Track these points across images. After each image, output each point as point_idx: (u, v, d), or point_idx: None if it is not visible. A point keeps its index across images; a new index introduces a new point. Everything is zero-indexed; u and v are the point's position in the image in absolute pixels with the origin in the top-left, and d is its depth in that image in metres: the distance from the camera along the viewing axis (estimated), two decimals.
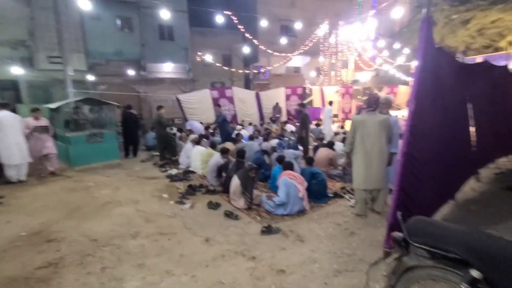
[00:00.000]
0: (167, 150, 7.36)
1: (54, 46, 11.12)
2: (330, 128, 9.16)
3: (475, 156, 4.43)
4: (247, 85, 19.22)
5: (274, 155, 5.45)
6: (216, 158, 5.30)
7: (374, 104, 3.50)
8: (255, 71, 18.93)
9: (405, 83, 15.96)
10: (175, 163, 7.07)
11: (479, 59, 12.39)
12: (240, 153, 4.88)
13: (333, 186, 4.99)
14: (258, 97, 12.48)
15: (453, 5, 12.98)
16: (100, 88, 14.44)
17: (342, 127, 10.23)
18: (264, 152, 5.61)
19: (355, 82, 18.53)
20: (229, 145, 6.93)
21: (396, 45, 13.91)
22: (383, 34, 12.57)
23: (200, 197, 4.65)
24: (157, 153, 8.51)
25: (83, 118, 7.39)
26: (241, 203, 4.11)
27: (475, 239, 1.39)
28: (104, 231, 3.42)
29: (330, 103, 10.61)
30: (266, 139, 7.19)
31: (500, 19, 11.63)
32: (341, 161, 6.19)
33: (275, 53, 14.92)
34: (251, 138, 6.81)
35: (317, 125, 10.48)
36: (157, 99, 16.16)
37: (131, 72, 14.87)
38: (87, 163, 6.60)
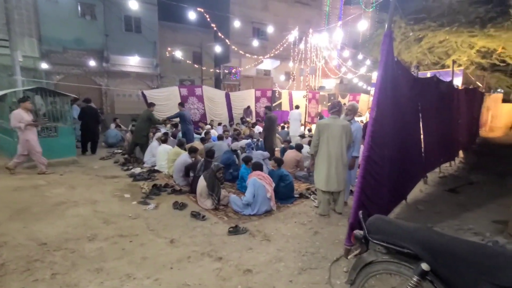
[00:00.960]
0: (142, 150, 6.88)
1: (0, 27, 9.92)
2: (297, 130, 9.43)
3: (424, 161, 4.89)
4: (217, 85, 19.02)
5: (243, 156, 5.47)
6: (184, 157, 5.15)
7: (337, 106, 3.68)
8: (226, 71, 18.81)
9: (366, 91, 17.09)
10: (139, 162, 6.73)
11: (428, 74, 13.78)
12: (209, 153, 4.80)
13: (299, 187, 5.15)
14: (228, 98, 12.40)
15: (409, 23, 14.19)
16: (55, 78, 13.20)
17: (310, 130, 10.60)
18: (234, 152, 5.59)
19: (321, 88, 19.35)
20: (197, 144, 6.80)
21: (359, 56, 14.82)
22: (348, 45, 13.32)
23: (166, 197, 4.48)
24: (120, 151, 8.04)
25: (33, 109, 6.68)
26: (208, 203, 4.04)
27: (425, 235, 1.53)
28: (55, 234, 3.13)
29: (297, 107, 10.94)
30: (235, 139, 7.18)
31: (446, 40, 13.00)
32: (307, 163, 6.42)
33: (247, 55, 14.97)
34: (220, 138, 6.74)
35: (283, 127, 10.76)
36: (120, 93, 15.29)
37: (92, 63, 13.82)
38: None
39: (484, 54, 12.95)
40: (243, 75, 19.53)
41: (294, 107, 11.21)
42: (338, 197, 3.77)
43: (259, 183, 3.79)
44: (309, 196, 4.56)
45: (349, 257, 2.37)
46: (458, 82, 12.89)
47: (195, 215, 3.70)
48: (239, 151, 5.92)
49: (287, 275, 2.50)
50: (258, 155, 5.39)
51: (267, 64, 19.80)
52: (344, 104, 16.21)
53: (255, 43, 15.60)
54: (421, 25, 14.05)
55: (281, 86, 17.88)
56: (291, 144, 6.99)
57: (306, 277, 2.49)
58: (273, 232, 3.31)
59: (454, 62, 10.36)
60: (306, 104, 11.31)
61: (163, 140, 6.20)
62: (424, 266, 1.38)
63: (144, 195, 4.50)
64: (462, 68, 13.14)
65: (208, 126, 9.43)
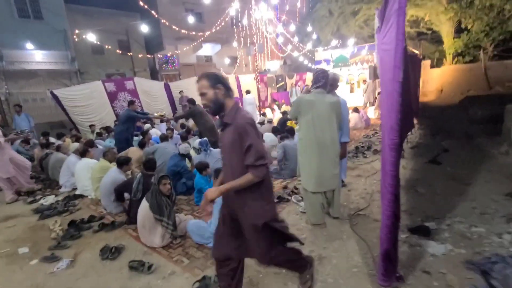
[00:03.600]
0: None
1: None
2: (254, 117, 8.32)
3: (403, 134, 4.31)
4: (154, 77, 16.62)
5: (197, 158, 4.15)
6: (112, 173, 3.62)
7: (323, 78, 2.64)
8: (162, 60, 16.48)
9: (310, 70, 16.77)
10: (54, 186, 4.87)
11: (366, 47, 13.90)
12: (148, 164, 3.37)
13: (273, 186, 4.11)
14: (167, 89, 10.58)
15: None
16: None
17: (264, 114, 9.61)
18: (184, 156, 4.22)
19: (266, 71, 18.50)
20: (133, 151, 5.19)
21: (308, 28, 14.14)
22: (290, 18, 12.47)
23: (90, 239, 2.98)
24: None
25: None
26: (156, 238, 2.71)
27: None
28: None
29: (248, 91, 9.84)
30: (184, 138, 5.74)
31: None
32: (274, 153, 5.41)
33: (182, 37, 13.07)
34: (163, 138, 5.24)
35: None
36: (28, 98, 11.98)
37: None
38: None
39: (412, 23, 13.47)
40: (182, 63, 17.44)
41: (245, 92, 10.04)
42: (333, 197, 2.81)
43: None
44: (289, 198, 3.55)
45: None
46: None
47: (136, 267, 2.36)
48: (189, 154, 4.58)
49: None
50: (216, 155, 4.14)
51: (208, 49, 18.03)
52: (292, 84, 15.74)
53: (190, 25, 13.71)
54: None
55: (226, 71, 16.42)
56: None
57: None
58: (261, 274, 2.19)
59: None
60: (257, 87, 10.23)
61: (82, 152, 4.45)
62: None
63: (55, 242, 2.92)
64: None
65: (147, 125, 7.68)
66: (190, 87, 11.46)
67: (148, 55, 15.52)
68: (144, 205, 2.74)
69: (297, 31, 13.79)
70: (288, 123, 7.86)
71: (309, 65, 16.08)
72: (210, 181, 3.54)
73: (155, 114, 8.77)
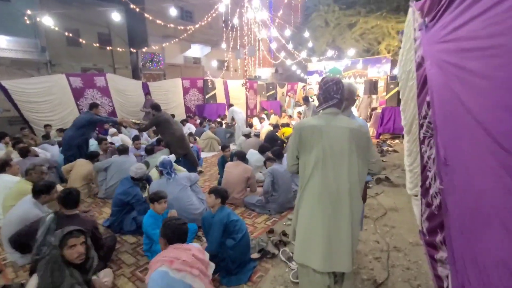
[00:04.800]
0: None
1: None
2: (242, 126, 7.31)
3: None
4: (136, 75, 15.33)
5: (156, 185, 3.07)
6: (25, 205, 2.47)
7: (337, 94, 1.67)
8: (146, 58, 15.25)
9: (302, 80, 16.04)
10: None
11: (361, 61, 13.34)
12: (67, 197, 2.22)
13: (254, 226, 3.09)
14: (146, 89, 9.41)
15: (342, 8, 13.45)
16: None
17: (251, 125, 8.63)
18: (138, 180, 3.12)
19: (256, 78, 17.63)
20: (80, 165, 4.04)
21: (298, 37, 13.41)
22: (287, 23, 11.67)
23: None
24: None
25: None
26: None
27: None
28: None
29: (231, 105, 8.67)
30: (150, 151, 4.63)
31: (377, 25, 12.63)
32: (259, 175, 4.41)
33: (169, 35, 11.98)
34: (122, 151, 4.12)
35: (220, 124, 8.54)
36: None
37: None
38: None
39: None
40: (168, 63, 16.28)
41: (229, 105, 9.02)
42: (344, 281, 1.80)
43: (173, 280, 1.53)
44: (276, 251, 2.53)
45: None
46: (386, 69, 12.78)
47: None
48: (151, 176, 3.50)
49: None
50: (181, 180, 3.07)
51: (196, 50, 16.98)
52: (283, 94, 14.89)
53: (179, 23, 12.67)
54: (352, 10, 13.44)
55: (214, 75, 15.40)
56: (231, 150, 4.85)
57: None
58: None
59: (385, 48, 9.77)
60: (246, 94, 9.26)
61: (1, 165, 3.26)
62: None
63: None
64: (389, 56, 12.93)
65: (113, 130, 6.48)
66: (172, 89, 10.37)
67: (131, 49, 14.16)
68: (31, 285, 1.59)
69: (291, 37, 13.03)
70: (280, 132, 6.90)
71: (301, 75, 15.36)
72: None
73: (132, 120, 7.46)
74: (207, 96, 11.14)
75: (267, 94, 13.78)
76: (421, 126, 2.36)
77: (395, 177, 4.63)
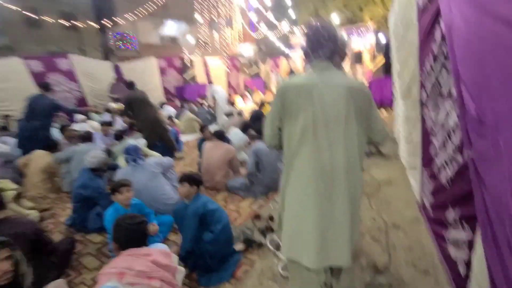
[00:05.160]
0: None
1: None
2: (224, 106, 6.80)
3: None
4: (109, 58, 14.17)
5: (122, 173, 2.64)
6: None
7: (329, 41, 1.24)
8: (115, 37, 14.04)
9: (285, 55, 15.33)
10: None
11: (344, 31, 12.80)
12: None
13: (238, 213, 2.76)
14: (118, 71, 8.62)
15: None
16: None
17: (233, 103, 8.13)
18: (99, 171, 2.67)
19: (239, 55, 16.77)
20: (38, 156, 3.53)
21: (279, 7, 12.57)
22: None
23: None
24: None
25: None
26: None
27: None
28: None
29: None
30: (120, 137, 4.12)
31: None
32: (244, 156, 4.04)
33: (141, 13, 10.93)
34: (85, 138, 3.60)
35: (201, 104, 8.00)
36: None
37: None
38: None
39: None
40: (143, 43, 15.14)
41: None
42: (342, 278, 1.48)
43: None
44: (263, 242, 2.22)
45: None
46: (370, 39, 12.29)
47: None
48: (119, 163, 3.06)
49: None
50: (150, 167, 2.64)
51: (172, 28, 15.84)
52: (268, 72, 14.24)
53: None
54: None
55: (193, 52, 14.45)
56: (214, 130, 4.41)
57: None
58: None
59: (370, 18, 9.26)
60: (227, 72, 8.65)
61: None
62: None
63: None
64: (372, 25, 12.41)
65: (82, 117, 5.84)
66: (147, 70, 9.57)
67: (97, 27, 12.80)
68: None
69: (272, 8, 12.18)
70: (265, 110, 6.46)
71: (286, 50, 14.67)
72: None
73: (113, 105, 6.76)
74: (186, 77, 10.42)
75: (250, 72, 13.15)
76: (422, 86, 2.01)
77: (386, 148, 4.39)
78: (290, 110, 1.24)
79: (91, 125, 5.53)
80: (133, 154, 2.63)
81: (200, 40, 10.97)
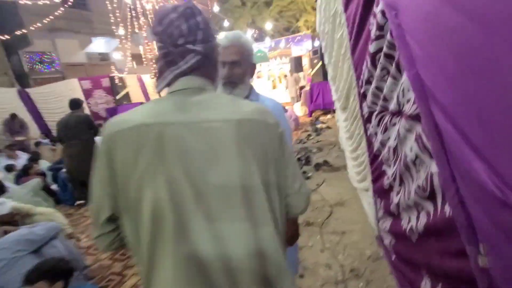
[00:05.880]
0: None
1: None
2: None
3: None
4: (25, 82, 11.93)
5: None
6: None
7: (193, 38, 0.61)
8: (32, 59, 11.95)
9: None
10: None
11: (283, 40, 12.96)
12: None
13: None
14: (26, 98, 7.07)
15: None
16: None
17: None
18: None
19: None
20: None
21: (215, 19, 12.11)
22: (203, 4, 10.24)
23: None
24: None
25: None
26: None
27: None
28: None
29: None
30: (24, 174, 2.99)
31: (293, 2, 12.21)
32: None
33: (59, 27, 9.35)
34: None
35: None
36: None
37: None
38: None
39: None
40: (66, 63, 13.15)
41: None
42: None
43: None
44: None
45: None
46: (308, 46, 12.60)
47: None
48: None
49: None
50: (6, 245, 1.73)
51: (101, 45, 14.20)
52: None
53: (69, 14, 10.02)
54: None
55: (130, 71, 13.06)
56: None
57: None
58: None
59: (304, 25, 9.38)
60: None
61: None
62: None
63: None
64: (308, 32, 12.80)
65: None
66: (68, 93, 8.06)
67: (7, 54, 10.77)
68: None
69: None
70: None
71: None
72: None
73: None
74: (118, 97, 9.18)
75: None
76: (363, 95, 1.55)
77: (334, 157, 4.05)
78: (124, 182, 0.59)
79: None
80: None
81: (129, 56, 9.80)
